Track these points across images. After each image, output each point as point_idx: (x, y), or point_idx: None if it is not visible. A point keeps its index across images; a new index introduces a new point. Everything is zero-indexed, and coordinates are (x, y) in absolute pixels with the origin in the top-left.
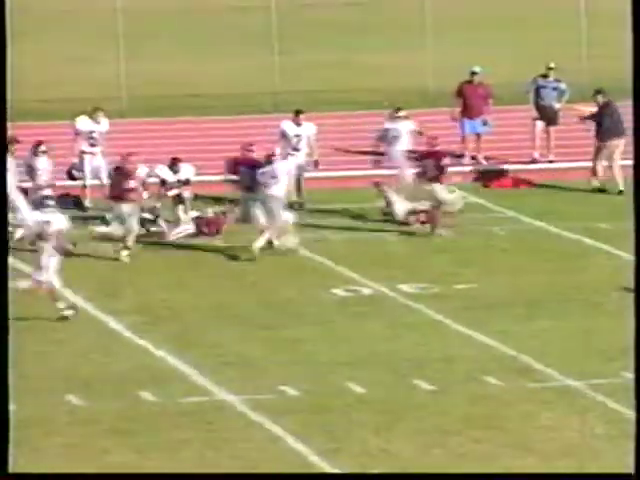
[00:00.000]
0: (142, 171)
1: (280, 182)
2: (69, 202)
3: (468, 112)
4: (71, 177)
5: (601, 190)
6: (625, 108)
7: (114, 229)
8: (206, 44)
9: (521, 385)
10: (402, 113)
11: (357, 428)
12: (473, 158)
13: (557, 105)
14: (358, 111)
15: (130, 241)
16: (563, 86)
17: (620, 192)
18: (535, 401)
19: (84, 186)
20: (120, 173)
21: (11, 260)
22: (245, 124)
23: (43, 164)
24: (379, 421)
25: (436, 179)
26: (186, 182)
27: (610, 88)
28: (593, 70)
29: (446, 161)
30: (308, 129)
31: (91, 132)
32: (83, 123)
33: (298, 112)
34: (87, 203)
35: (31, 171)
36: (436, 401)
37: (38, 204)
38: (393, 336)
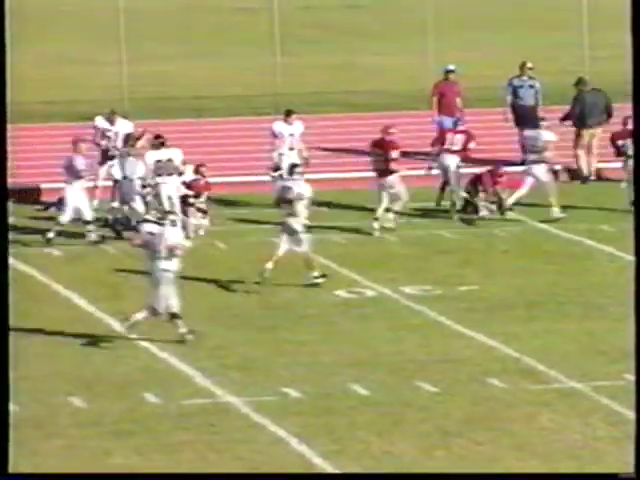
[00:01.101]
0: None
1: (545, 149)
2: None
3: (446, 110)
4: None
5: (584, 178)
6: (625, 109)
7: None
8: (208, 45)
9: (524, 387)
10: None
11: (360, 430)
12: None
13: (538, 105)
14: (360, 113)
15: (397, 207)
16: (538, 84)
17: (586, 179)
18: (538, 403)
19: (95, 187)
20: (380, 147)
21: (11, 261)
22: (246, 126)
23: (171, 154)
24: (382, 423)
25: None
26: (189, 184)
27: (612, 90)
28: (595, 72)
29: None
30: (298, 128)
31: (105, 132)
32: (100, 123)
33: (289, 112)
34: (95, 204)
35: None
36: (439, 403)
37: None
38: (395, 338)
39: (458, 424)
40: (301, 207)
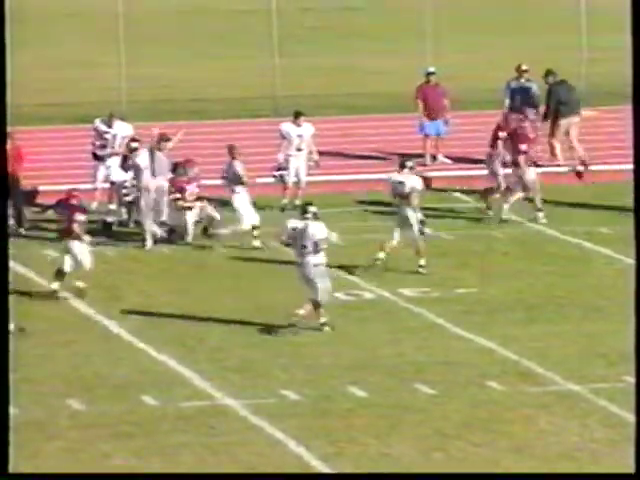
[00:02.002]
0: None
1: None
2: (68, 207)
3: (430, 113)
4: None
5: (578, 173)
6: (625, 112)
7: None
8: (207, 48)
9: (522, 389)
10: None
11: (358, 432)
12: (433, 158)
13: (535, 107)
14: (358, 115)
15: (538, 201)
16: (534, 87)
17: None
18: (536, 405)
19: (95, 189)
20: (511, 140)
21: (11, 264)
22: (245, 128)
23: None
24: (380, 425)
25: None
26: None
27: (610, 92)
28: (593, 74)
29: None
30: (308, 130)
31: (103, 134)
32: (99, 125)
33: (298, 114)
34: (94, 206)
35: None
36: (437, 405)
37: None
38: (394, 340)
39: (456, 426)
40: (414, 200)
